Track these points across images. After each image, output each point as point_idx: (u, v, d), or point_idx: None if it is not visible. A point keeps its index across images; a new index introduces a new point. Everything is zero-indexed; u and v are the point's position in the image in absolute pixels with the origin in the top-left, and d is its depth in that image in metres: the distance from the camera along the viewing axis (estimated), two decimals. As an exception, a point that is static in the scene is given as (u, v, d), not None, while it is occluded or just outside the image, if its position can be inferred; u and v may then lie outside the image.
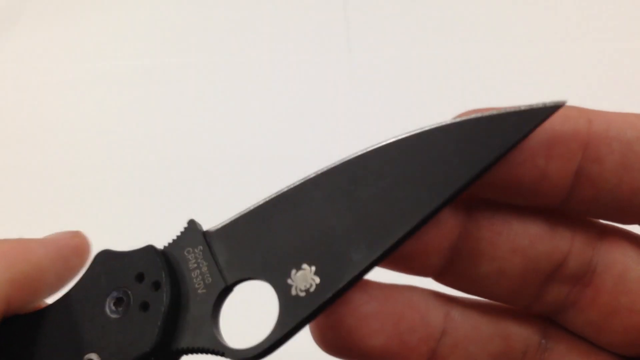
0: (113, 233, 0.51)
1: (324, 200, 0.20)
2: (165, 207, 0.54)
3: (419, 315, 0.21)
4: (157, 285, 0.20)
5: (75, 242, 0.22)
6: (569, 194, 0.19)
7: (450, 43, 0.68)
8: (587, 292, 0.21)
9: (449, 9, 0.72)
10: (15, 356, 0.20)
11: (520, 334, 0.22)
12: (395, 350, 0.20)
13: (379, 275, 0.21)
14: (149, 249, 0.21)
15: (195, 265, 0.20)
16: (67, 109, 0.63)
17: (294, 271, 0.19)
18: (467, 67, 0.65)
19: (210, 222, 0.21)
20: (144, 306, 0.20)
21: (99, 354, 0.19)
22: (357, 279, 0.19)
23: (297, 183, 0.20)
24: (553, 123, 0.19)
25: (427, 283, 0.22)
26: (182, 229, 0.21)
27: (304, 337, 0.21)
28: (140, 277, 0.20)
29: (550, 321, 0.22)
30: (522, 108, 0.18)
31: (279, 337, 0.19)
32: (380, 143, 0.20)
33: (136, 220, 0.54)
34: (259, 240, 0.20)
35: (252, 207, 0.21)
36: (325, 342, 0.20)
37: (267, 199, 0.20)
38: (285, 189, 0.20)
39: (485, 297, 0.22)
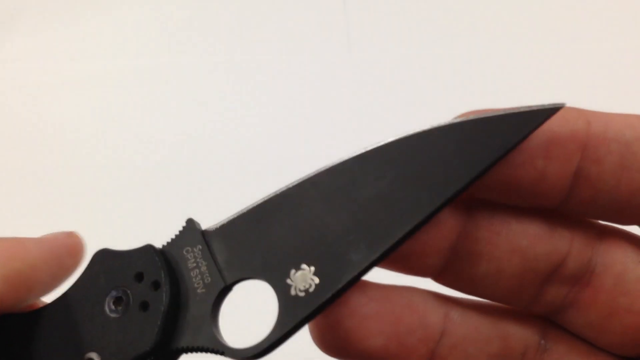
0: (111, 231, 0.51)
1: (323, 199, 0.20)
2: (163, 206, 0.54)
3: (418, 316, 0.21)
4: (156, 285, 0.20)
5: (70, 242, 0.22)
6: (567, 195, 0.20)
7: (450, 43, 0.68)
8: (586, 292, 0.21)
9: (449, 9, 0.72)
10: (14, 355, 0.20)
11: (520, 334, 0.22)
12: (395, 352, 0.20)
13: (378, 275, 0.21)
14: (148, 249, 0.21)
15: (195, 264, 0.20)
16: (67, 108, 0.63)
17: (293, 271, 0.19)
18: (467, 67, 0.65)
19: (208, 221, 0.21)
20: (144, 306, 0.20)
21: (99, 353, 0.19)
22: (356, 279, 0.19)
23: (296, 182, 0.20)
24: (552, 124, 0.19)
25: (426, 283, 0.22)
26: (181, 228, 0.21)
27: (303, 338, 0.21)
28: (139, 277, 0.20)
29: (550, 322, 0.22)
30: (522, 109, 0.18)
31: (279, 337, 0.19)
32: (379, 143, 0.20)
33: (134, 219, 0.54)
34: (258, 239, 0.20)
35: (251, 206, 0.21)
36: (324, 343, 0.20)
37: (266, 199, 0.20)
38: (284, 188, 0.20)
39: (484, 298, 0.22)
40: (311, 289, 0.19)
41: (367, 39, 0.69)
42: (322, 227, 0.20)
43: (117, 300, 0.20)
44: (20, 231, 0.51)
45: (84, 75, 0.66)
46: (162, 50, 0.69)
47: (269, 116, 0.62)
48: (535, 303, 0.21)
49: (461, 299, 0.22)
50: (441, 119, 0.19)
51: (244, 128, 0.61)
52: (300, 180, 0.20)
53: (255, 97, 0.63)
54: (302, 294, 0.19)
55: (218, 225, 0.21)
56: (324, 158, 0.21)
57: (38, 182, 0.57)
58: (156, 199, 0.55)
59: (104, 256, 0.21)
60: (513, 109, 0.19)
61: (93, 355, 0.19)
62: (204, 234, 0.21)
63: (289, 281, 0.19)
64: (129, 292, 0.20)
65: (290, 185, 0.20)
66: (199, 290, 0.20)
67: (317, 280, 0.19)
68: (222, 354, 0.19)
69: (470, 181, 0.19)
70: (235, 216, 0.21)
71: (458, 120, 0.19)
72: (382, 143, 0.20)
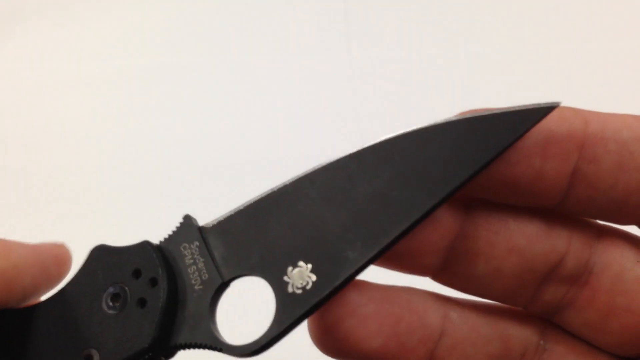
0: (109, 227, 0.51)
1: (319, 197, 0.20)
2: (160, 202, 0.54)
3: (417, 316, 0.21)
4: (154, 282, 0.20)
5: (57, 252, 0.22)
6: (565, 194, 0.20)
7: (450, 43, 0.68)
8: (584, 292, 0.21)
9: (448, 9, 0.72)
10: (12, 351, 0.20)
11: (519, 335, 0.22)
12: (394, 352, 0.20)
13: (378, 275, 0.21)
14: (146, 245, 0.21)
15: (192, 261, 0.20)
16: (66, 108, 0.63)
17: (290, 268, 0.19)
18: (467, 67, 0.65)
19: (205, 217, 0.21)
20: (142, 302, 0.20)
21: (98, 349, 0.19)
22: (353, 277, 0.19)
23: (293, 179, 0.20)
24: (549, 123, 0.19)
25: (425, 282, 0.22)
26: (178, 224, 0.21)
27: (303, 338, 0.21)
28: (137, 273, 0.20)
29: (549, 322, 0.22)
30: (517, 108, 0.19)
31: (276, 334, 0.19)
32: (375, 141, 0.20)
33: (131, 215, 0.54)
34: (255, 236, 0.20)
35: (248, 203, 0.21)
36: (323, 343, 0.20)
37: (263, 195, 0.21)
38: (281, 186, 0.20)
39: (482, 297, 0.22)
40: (308, 287, 0.19)
41: (366, 40, 0.69)
42: (319, 225, 0.20)
43: (115, 297, 0.20)
44: (20, 230, 0.51)
45: (83, 75, 0.66)
46: (162, 50, 0.69)
47: (268, 116, 0.62)
48: (534, 302, 0.21)
49: (460, 299, 0.22)
50: (440, 118, 0.20)
51: (243, 127, 0.61)
52: (297, 178, 0.20)
53: (255, 97, 0.63)
54: (299, 292, 0.19)
55: (215, 222, 0.21)
56: (323, 157, 0.21)
57: (37, 180, 0.57)
58: (153, 195, 0.55)
59: (101, 252, 0.21)
60: (509, 108, 0.19)
61: (91, 351, 0.19)
62: (201, 230, 0.21)
63: (286, 278, 0.19)
64: (126, 288, 0.20)
65: (287, 183, 0.20)
66: (196, 287, 0.20)
67: (314, 277, 0.19)
68: (220, 350, 0.19)
69: (466, 180, 0.19)
70: (232, 213, 0.21)
71: (454, 118, 0.19)
72: (378, 141, 0.20)
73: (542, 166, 0.19)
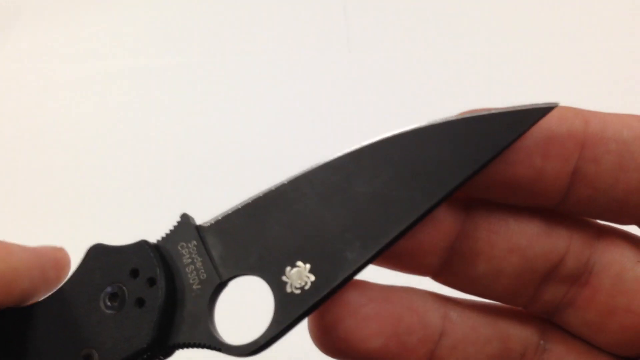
0: (106, 225, 0.51)
1: (317, 197, 0.20)
2: (157, 200, 0.54)
3: (417, 316, 0.21)
4: (152, 282, 0.20)
5: (56, 256, 0.22)
6: (565, 194, 0.20)
7: (450, 43, 0.68)
8: (585, 292, 0.21)
9: (448, 9, 0.72)
10: (11, 349, 0.20)
11: (519, 335, 0.22)
12: (394, 352, 0.20)
13: (378, 274, 0.21)
14: (143, 245, 0.20)
15: (190, 260, 0.20)
16: (66, 107, 0.63)
17: (288, 268, 0.19)
18: (467, 67, 0.65)
19: (201, 215, 0.21)
20: (140, 302, 0.20)
21: (96, 349, 0.19)
22: (351, 277, 0.19)
23: (291, 179, 0.20)
24: (550, 123, 0.19)
25: (425, 282, 0.22)
26: (175, 223, 0.21)
27: (303, 338, 0.21)
28: (134, 273, 0.20)
29: (549, 322, 0.22)
30: (516, 109, 0.19)
31: (275, 334, 0.19)
32: (373, 139, 0.20)
33: (128, 213, 0.54)
34: (253, 236, 0.20)
35: (245, 202, 0.21)
36: (323, 343, 0.20)
37: (261, 194, 0.20)
38: (279, 185, 0.20)
39: (483, 297, 0.22)
40: (307, 287, 0.19)
41: (366, 39, 0.69)
42: (317, 224, 0.20)
43: (113, 297, 0.20)
44: (19, 228, 0.51)
45: (82, 75, 0.66)
46: (161, 50, 0.69)
47: (268, 115, 0.62)
48: (534, 302, 0.21)
49: (460, 299, 0.22)
50: (438, 117, 0.20)
51: (242, 126, 0.61)
52: (294, 177, 0.20)
53: (255, 97, 0.63)
54: (297, 292, 0.19)
55: (213, 221, 0.21)
56: (322, 157, 0.21)
57: (35, 179, 0.57)
58: (149, 194, 0.55)
59: (98, 251, 0.21)
60: (507, 108, 0.19)
61: (90, 351, 0.19)
62: (199, 229, 0.21)
63: (284, 278, 0.19)
64: (124, 288, 0.20)
65: (285, 182, 0.20)
66: (194, 287, 0.20)
67: (312, 278, 0.19)
68: (218, 350, 0.19)
69: (464, 180, 0.19)
70: (230, 212, 0.21)
71: (452, 118, 0.19)
72: (376, 140, 0.20)
73: (543, 166, 0.19)
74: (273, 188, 0.20)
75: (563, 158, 0.19)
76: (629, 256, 0.20)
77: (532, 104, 0.18)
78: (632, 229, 0.21)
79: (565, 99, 0.19)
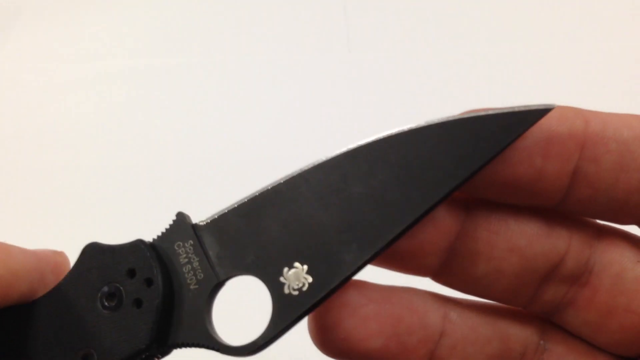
0: (98, 224, 0.51)
1: (314, 197, 0.20)
2: (151, 199, 0.54)
3: (417, 316, 0.21)
4: (149, 282, 0.20)
5: (56, 260, 0.22)
6: (566, 194, 0.20)
7: (450, 43, 0.68)
8: (585, 292, 0.21)
9: (448, 9, 0.72)
10: (8, 349, 0.20)
11: (519, 335, 0.22)
12: (394, 352, 0.20)
13: (378, 275, 0.21)
14: (139, 244, 0.20)
15: (187, 260, 0.20)
16: (65, 107, 0.63)
17: (286, 269, 0.19)
18: (467, 66, 0.65)
19: (197, 213, 0.21)
20: (138, 303, 0.20)
21: (95, 349, 0.19)
22: (349, 278, 0.19)
23: (287, 178, 0.20)
24: (550, 123, 0.19)
25: (425, 282, 0.22)
26: (171, 222, 0.21)
27: (303, 339, 0.21)
28: (131, 273, 0.20)
29: (549, 322, 0.22)
30: (514, 110, 0.18)
31: (273, 335, 0.19)
32: (370, 139, 0.20)
33: (122, 212, 0.54)
34: (249, 235, 0.20)
35: (242, 201, 0.20)
36: (323, 344, 0.20)
37: (257, 193, 0.20)
38: (275, 184, 0.20)
39: (483, 297, 0.22)
40: (304, 288, 0.19)
41: (366, 39, 0.69)
42: (314, 225, 0.20)
43: (110, 297, 0.20)
44: (19, 227, 0.51)
45: (80, 75, 0.66)
46: (161, 50, 0.69)
47: (268, 115, 0.62)
48: (534, 302, 0.21)
49: (460, 299, 0.22)
50: (435, 117, 0.19)
51: (241, 126, 0.61)
52: (291, 176, 0.20)
53: (255, 96, 0.63)
54: (295, 293, 0.19)
55: (209, 220, 0.21)
56: (320, 156, 0.21)
57: (36, 179, 0.57)
58: (144, 192, 0.55)
59: (94, 250, 0.21)
60: (505, 108, 0.19)
61: (89, 351, 0.19)
62: (195, 228, 0.21)
63: (282, 279, 0.19)
64: (121, 288, 0.20)
65: (282, 181, 0.20)
66: (191, 287, 0.20)
67: (310, 279, 0.19)
68: (216, 350, 0.19)
69: (461, 181, 0.19)
70: (226, 210, 0.21)
71: (449, 118, 0.19)
72: (373, 139, 0.20)
73: (543, 166, 0.19)
74: (269, 187, 0.20)
75: (563, 158, 0.19)
76: (629, 256, 0.20)
77: (530, 105, 0.18)
78: (632, 229, 0.21)
79: (565, 99, 0.19)
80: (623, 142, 0.19)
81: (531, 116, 0.18)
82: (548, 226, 0.20)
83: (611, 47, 0.65)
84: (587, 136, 0.19)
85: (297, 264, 0.19)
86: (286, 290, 0.19)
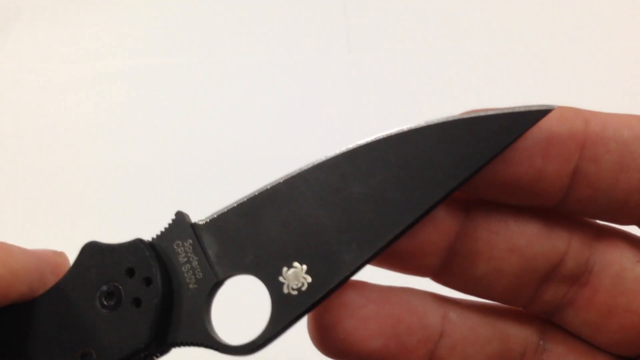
0: (97, 223, 0.51)
1: (314, 196, 0.20)
2: (149, 198, 0.54)
3: (417, 317, 0.21)
4: (148, 281, 0.20)
5: (56, 261, 0.22)
6: (566, 194, 0.20)
7: (450, 43, 0.68)
8: (584, 292, 0.21)
9: (448, 9, 0.72)
10: (7, 347, 0.20)
11: (519, 335, 0.22)
12: (394, 353, 0.20)
13: (378, 275, 0.21)
14: (138, 244, 0.20)
15: (186, 259, 0.20)
16: (65, 107, 0.63)
17: (285, 269, 0.19)
18: (467, 67, 0.65)
19: (195, 213, 0.21)
20: (137, 302, 0.20)
21: (94, 348, 0.19)
22: (348, 278, 0.19)
23: (287, 177, 0.20)
24: (550, 123, 0.19)
25: (425, 283, 0.22)
26: (170, 221, 0.21)
27: (302, 339, 0.21)
28: (130, 272, 0.20)
29: (549, 322, 0.22)
30: (513, 110, 0.18)
31: (272, 334, 0.19)
32: (369, 139, 0.20)
33: (121, 211, 0.54)
34: (249, 235, 0.20)
35: (241, 200, 0.20)
36: (323, 344, 0.20)
37: (256, 193, 0.20)
38: (275, 183, 0.20)
39: (483, 297, 0.22)
40: (304, 288, 0.19)
41: (366, 39, 0.69)
42: (313, 225, 0.20)
43: (109, 296, 0.20)
44: (17, 226, 0.51)
45: (82, 75, 0.66)
46: (161, 50, 0.69)
47: (268, 115, 0.62)
48: (534, 302, 0.21)
49: (459, 299, 0.22)
50: (434, 117, 0.19)
51: (242, 126, 0.61)
52: (290, 175, 0.20)
53: (255, 96, 0.63)
54: (294, 293, 0.19)
55: (208, 219, 0.21)
56: (320, 156, 0.21)
57: (36, 179, 0.57)
58: (143, 191, 0.55)
59: (93, 249, 0.21)
60: (505, 109, 0.19)
61: (88, 350, 0.19)
62: (194, 227, 0.21)
63: (281, 279, 0.19)
64: (120, 287, 0.20)
65: (281, 180, 0.20)
66: (190, 286, 0.20)
67: (309, 279, 0.19)
68: (215, 349, 0.19)
69: (461, 182, 0.19)
70: (225, 210, 0.21)
71: (448, 118, 0.19)
72: (372, 139, 0.20)
73: (543, 166, 0.19)
74: (268, 187, 0.20)
75: (563, 158, 0.19)
76: (629, 256, 0.20)
77: (530, 106, 0.18)
78: (632, 229, 0.21)
79: (565, 99, 0.19)
80: (623, 142, 0.19)
81: (531, 117, 0.18)
82: (548, 226, 0.20)
83: (611, 47, 0.65)
84: (587, 136, 0.19)
85: (296, 264, 0.19)
86: (285, 290, 0.19)
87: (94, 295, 0.20)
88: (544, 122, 0.19)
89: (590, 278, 0.20)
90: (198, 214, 0.21)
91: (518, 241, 0.20)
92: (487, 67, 0.65)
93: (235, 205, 0.20)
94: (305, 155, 0.21)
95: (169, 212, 0.21)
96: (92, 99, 0.64)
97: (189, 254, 0.20)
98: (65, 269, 0.21)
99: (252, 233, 0.20)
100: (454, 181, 0.19)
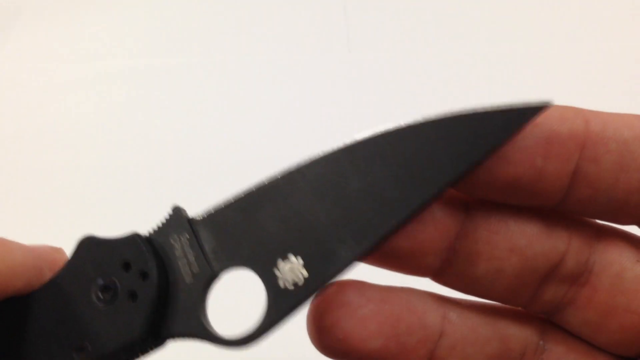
0: (94, 217, 0.51)
1: (311, 191, 0.20)
2: (147, 192, 0.54)
3: (416, 317, 0.21)
4: (144, 275, 0.20)
5: (54, 257, 0.22)
6: (566, 194, 0.19)
7: (450, 43, 0.68)
8: (584, 291, 0.21)
9: (448, 9, 0.72)
10: (2, 341, 0.20)
11: (518, 335, 0.22)
12: (394, 353, 0.20)
13: (377, 275, 0.21)
14: (135, 237, 0.20)
15: (182, 253, 0.20)
16: (65, 107, 0.63)
17: (279, 260, 0.19)
18: (467, 67, 0.65)
19: (193, 208, 0.21)
20: (132, 296, 0.20)
21: (90, 341, 0.19)
22: (344, 273, 0.19)
23: (284, 172, 0.20)
24: (550, 123, 0.19)
25: (425, 283, 0.22)
26: (167, 216, 0.21)
27: (301, 339, 0.21)
28: (126, 266, 0.20)
29: (549, 322, 0.22)
30: (510, 107, 0.18)
31: (267, 328, 0.19)
32: (367, 134, 0.20)
33: (118, 205, 0.54)
34: (245, 229, 0.20)
35: (238, 195, 0.20)
36: (322, 344, 0.20)
37: (253, 188, 0.20)
38: (272, 178, 0.20)
39: (483, 297, 0.22)
40: (300, 283, 0.19)
41: (366, 39, 0.69)
42: (310, 219, 0.20)
43: (105, 289, 0.20)
44: (17, 225, 0.51)
45: (82, 75, 0.66)
46: (160, 50, 0.69)
47: (268, 115, 0.62)
48: (534, 302, 0.21)
49: (459, 299, 0.22)
50: (431, 113, 0.20)
51: (242, 126, 0.61)
52: (288, 170, 0.20)
53: (255, 96, 0.63)
54: (291, 287, 0.19)
55: (205, 214, 0.21)
56: (316, 151, 0.21)
57: (36, 178, 0.57)
58: (140, 185, 0.55)
59: (90, 243, 0.21)
60: (500, 105, 0.19)
61: (83, 343, 0.19)
62: (191, 222, 0.21)
63: (276, 272, 0.19)
64: (116, 281, 0.20)
65: (278, 175, 0.20)
66: (187, 280, 0.20)
67: (306, 274, 0.19)
68: (210, 342, 0.19)
69: (457, 177, 0.19)
70: (222, 205, 0.21)
71: (446, 114, 0.19)
72: (369, 135, 0.20)
73: (543, 166, 0.19)
74: (265, 181, 0.20)
75: (564, 158, 0.19)
76: (629, 256, 0.20)
77: (526, 102, 0.18)
78: (632, 229, 0.21)
79: (565, 98, 0.19)
80: (623, 142, 0.19)
81: (528, 112, 0.18)
82: (548, 226, 0.20)
83: (611, 47, 0.65)
84: (588, 136, 0.19)
85: (292, 257, 0.19)
86: (281, 284, 0.19)
87: (89, 289, 0.20)
88: (544, 122, 0.19)
89: (590, 278, 0.20)
90: (197, 212, 0.21)
91: (518, 241, 0.20)
92: (487, 67, 0.65)
93: (232, 200, 0.20)
94: (305, 155, 0.21)
95: (165, 206, 0.21)
96: (92, 99, 0.64)
97: (186, 248, 0.20)
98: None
99: (249, 228, 0.20)
100: (450, 176, 0.19)
